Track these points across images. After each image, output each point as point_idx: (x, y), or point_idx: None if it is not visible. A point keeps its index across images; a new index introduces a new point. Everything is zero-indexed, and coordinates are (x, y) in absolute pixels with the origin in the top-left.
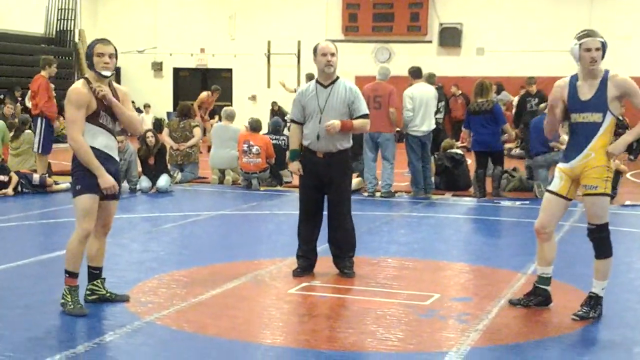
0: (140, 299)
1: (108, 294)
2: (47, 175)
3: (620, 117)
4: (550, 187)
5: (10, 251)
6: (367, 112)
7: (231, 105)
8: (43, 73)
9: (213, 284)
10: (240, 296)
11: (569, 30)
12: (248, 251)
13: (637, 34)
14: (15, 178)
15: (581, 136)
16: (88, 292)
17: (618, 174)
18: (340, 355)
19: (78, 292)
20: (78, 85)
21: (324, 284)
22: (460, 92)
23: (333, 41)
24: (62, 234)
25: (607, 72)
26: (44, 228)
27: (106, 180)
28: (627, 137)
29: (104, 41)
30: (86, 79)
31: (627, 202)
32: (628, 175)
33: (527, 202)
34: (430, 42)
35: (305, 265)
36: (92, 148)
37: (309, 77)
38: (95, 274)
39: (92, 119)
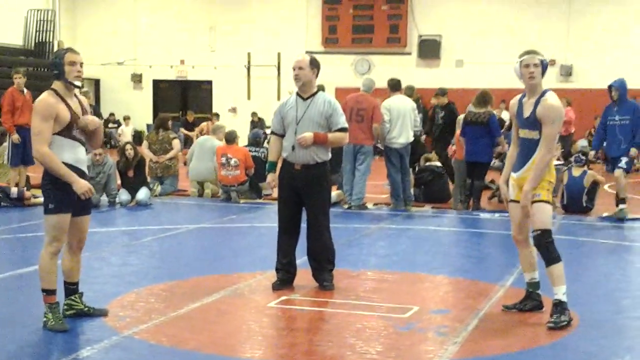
0: (119, 313)
1: (86, 309)
2: (25, 188)
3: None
4: (509, 197)
5: None
6: (345, 125)
7: (211, 117)
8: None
9: (192, 297)
10: (220, 310)
11: (548, 42)
12: (227, 264)
13: (614, 47)
14: None
15: (524, 150)
16: (66, 307)
17: (596, 185)
18: None
19: (59, 308)
20: (45, 97)
21: (304, 297)
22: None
23: (313, 53)
24: (40, 247)
25: (544, 92)
26: (21, 242)
27: (81, 185)
28: (527, 187)
29: (73, 50)
30: (53, 90)
31: (605, 214)
32: (606, 187)
33: (506, 214)
34: (409, 54)
35: (285, 279)
36: (64, 164)
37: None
38: (72, 289)
39: (66, 132)
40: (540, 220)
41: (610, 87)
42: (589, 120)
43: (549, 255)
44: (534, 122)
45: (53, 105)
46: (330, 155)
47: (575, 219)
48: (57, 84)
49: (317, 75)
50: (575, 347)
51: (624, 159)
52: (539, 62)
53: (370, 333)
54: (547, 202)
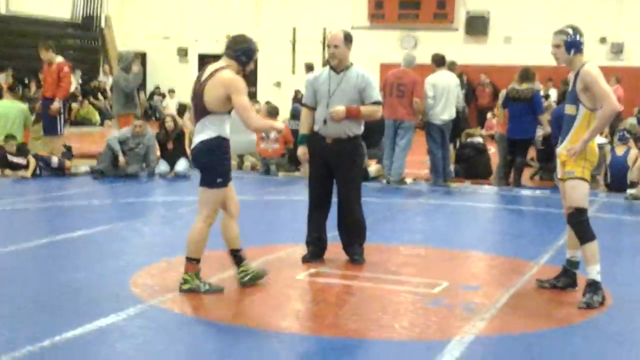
0: (147, 281)
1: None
2: (64, 157)
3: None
4: (557, 175)
5: (24, 232)
6: (379, 99)
7: (255, 90)
8: None
9: (220, 268)
10: None
11: (597, 19)
12: (260, 237)
13: None
14: (33, 162)
15: (565, 126)
16: (242, 274)
17: None
18: (342, 341)
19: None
20: (235, 75)
21: (333, 270)
22: (488, 80)
23: (358, 28)
24: (78, 216)
25: (582, 64)
26: (60, 210)
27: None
28: (585, 137)
29: None
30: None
31: None
32: None
33: (548, 190)
34: (456, 30)
35: (315, 252)
36: (224, 139)
37: (308, 66)
38: (239, 255)
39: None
40: (574, 197)
41: None
42: (639, 99)
43: (583, 233)
44: (574, 97)
45: None
46: (362, 129)
47: (618, 197)
48: (232, 65)
49: (350, 49)
50: (607, 327)
51: None
52: (560, 42)
53: (397, 307)
54: (581, 178)
